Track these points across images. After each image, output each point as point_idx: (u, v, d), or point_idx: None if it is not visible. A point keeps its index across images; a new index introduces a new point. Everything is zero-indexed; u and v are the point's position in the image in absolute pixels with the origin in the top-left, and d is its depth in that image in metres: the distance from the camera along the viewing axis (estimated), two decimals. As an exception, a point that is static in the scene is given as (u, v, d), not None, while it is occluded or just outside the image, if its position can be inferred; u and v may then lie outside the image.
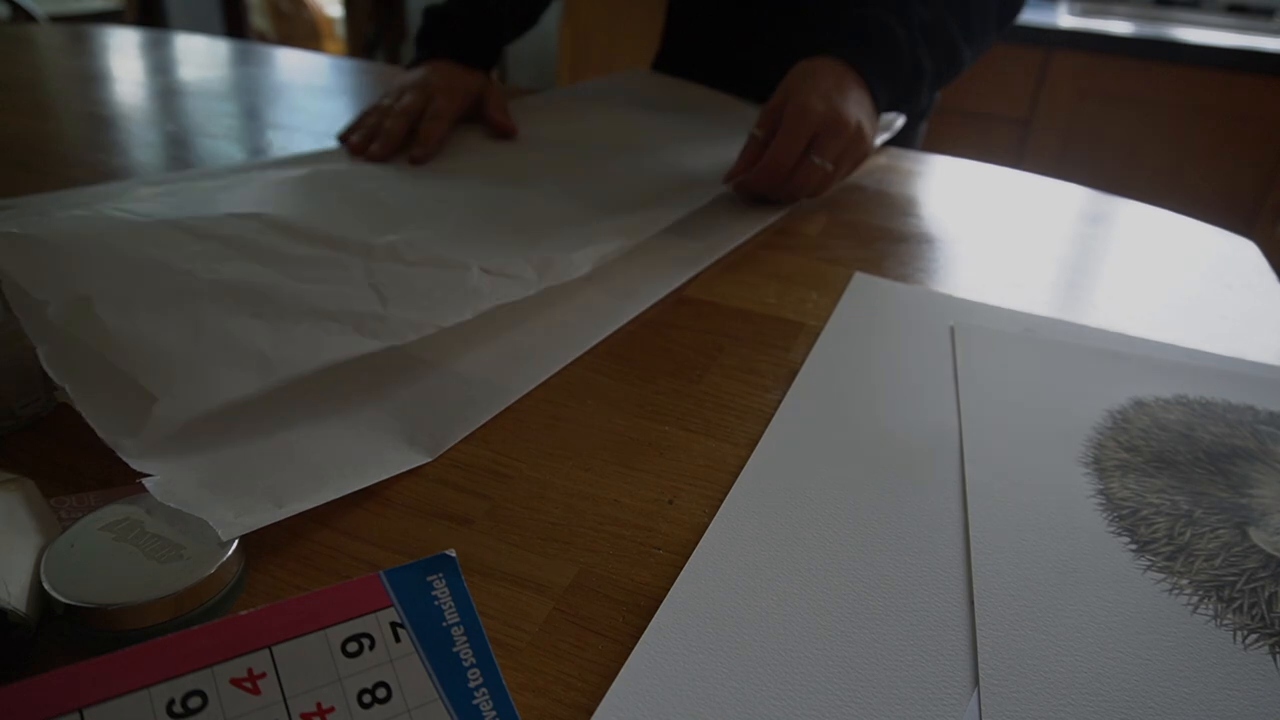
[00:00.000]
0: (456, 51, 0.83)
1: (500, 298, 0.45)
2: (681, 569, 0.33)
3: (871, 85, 0.68)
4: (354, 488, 0.34)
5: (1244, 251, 0.68)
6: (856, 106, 0.66)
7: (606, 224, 0.57)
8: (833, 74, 0.66)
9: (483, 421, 0.41)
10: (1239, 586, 0.33)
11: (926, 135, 1.04)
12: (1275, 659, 0.30)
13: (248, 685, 0.21)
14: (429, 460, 0.38)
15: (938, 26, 0.71)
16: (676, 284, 0.55)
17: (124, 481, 0.35)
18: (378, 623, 0.23)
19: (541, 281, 0.48)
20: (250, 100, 0.91)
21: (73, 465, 0.36)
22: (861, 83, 0.67)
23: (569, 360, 0.46)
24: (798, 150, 0.64)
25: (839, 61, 0.67)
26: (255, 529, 0.30)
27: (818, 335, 0.51)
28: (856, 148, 0.66)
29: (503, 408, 0.42)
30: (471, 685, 0.23)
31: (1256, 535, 0.36)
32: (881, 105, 0.69)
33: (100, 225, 0.44)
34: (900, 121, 0.89)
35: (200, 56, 1.07)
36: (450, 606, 0.24)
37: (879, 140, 0.79)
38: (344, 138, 0.75)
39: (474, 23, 0.85)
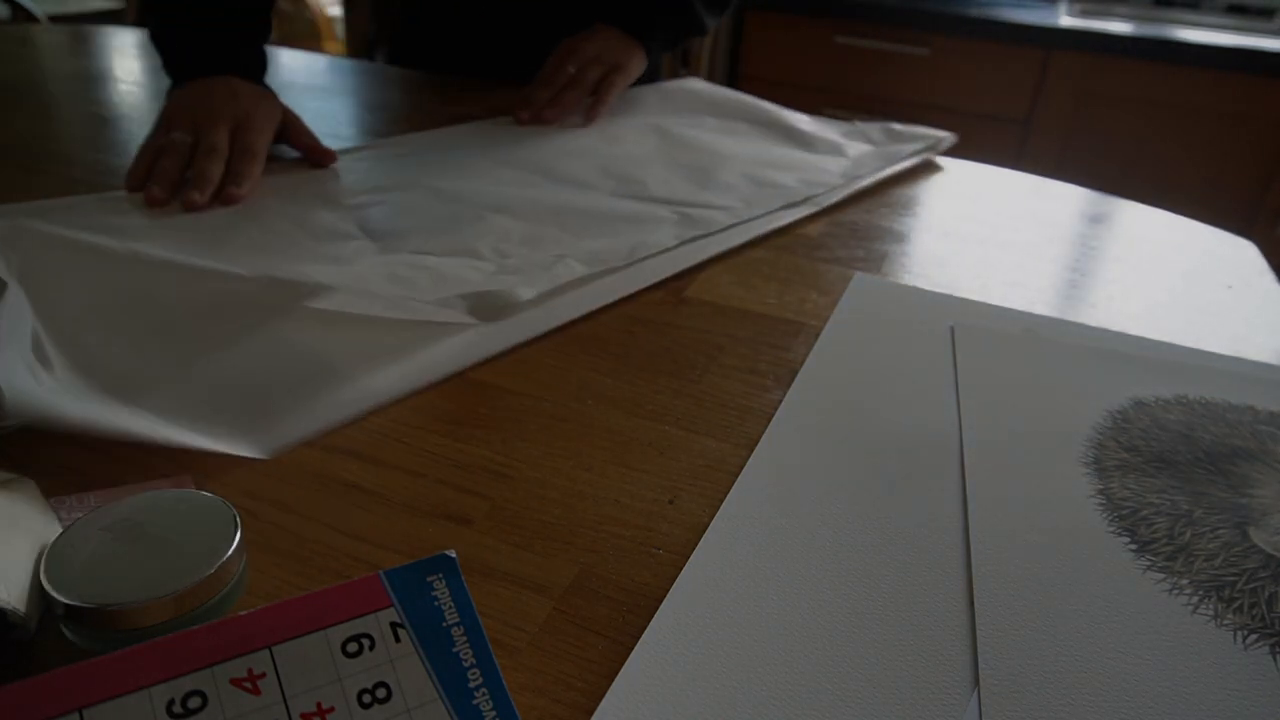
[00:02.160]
0: (243, 68, 0.72)
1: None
2: (681, 569, 0.33)
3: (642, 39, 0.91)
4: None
5: (1244, 251, 0.68)
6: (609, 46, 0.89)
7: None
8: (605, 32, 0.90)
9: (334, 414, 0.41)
10: (1239, 586, 0.33)
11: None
12: (1275, 659, 0.30)
13: (248, 685, 0.21)
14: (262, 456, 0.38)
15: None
16: (667, 273, 0.56)
17: (124, 481, 0.35)
18: (378, 623, 0.23)
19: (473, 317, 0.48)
20: (250, 100, 0.91)
21: (73, 465, 0.36)
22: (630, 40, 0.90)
23: (544, 329, 0.48)
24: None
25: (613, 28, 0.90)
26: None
27: (818, 335, 0.51)
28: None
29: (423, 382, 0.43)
30: (471, 685, 0.23)
31: (1256, 535, 0.36)
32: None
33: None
34: (949, 141, 0.87)
35: (200, 56, 1.07)
36: (450, 606, 0.24)
37: (913, 158, 0.84)
38: (134, 186, 0.61)
39: (239, 32, 0.74)
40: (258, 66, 0.75)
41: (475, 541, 0.34)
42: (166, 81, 0.75)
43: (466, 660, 0.24)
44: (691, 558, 0.33)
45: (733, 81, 2.12)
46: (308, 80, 1.00)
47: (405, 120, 0.86)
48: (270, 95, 0.71)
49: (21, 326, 0.40)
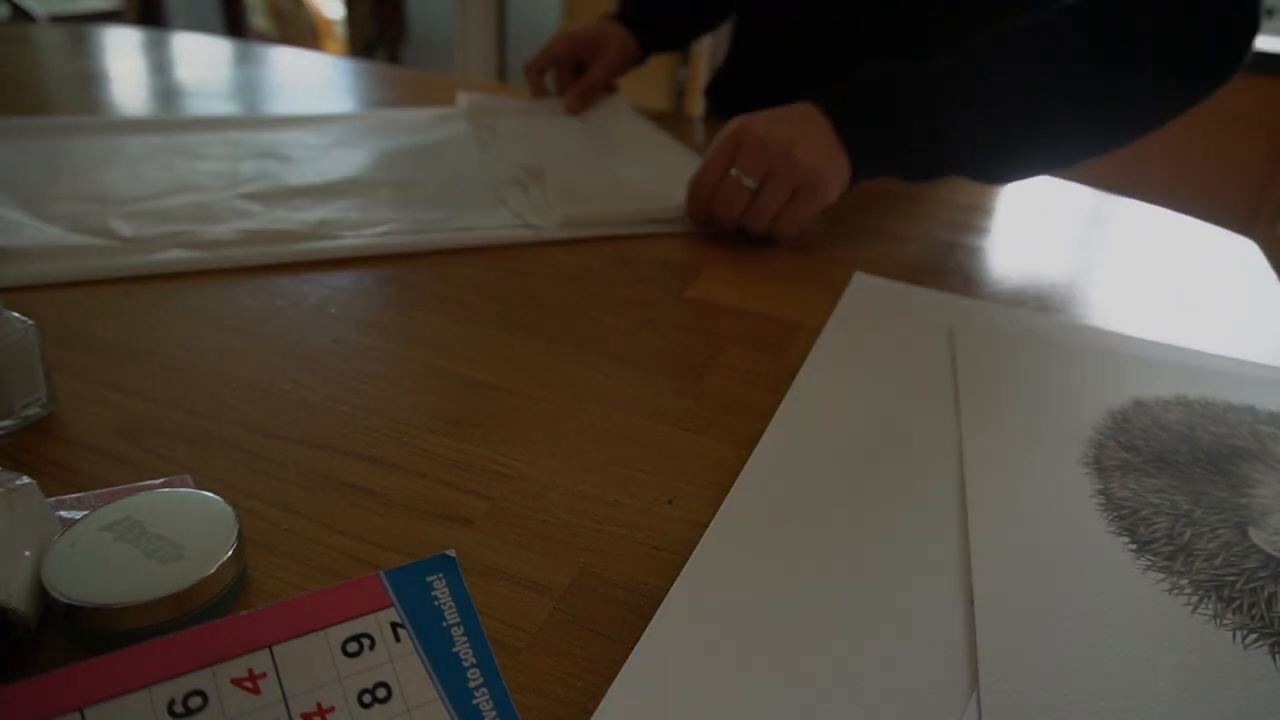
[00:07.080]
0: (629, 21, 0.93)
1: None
2: (681, 569, 0.33)
3: (844, 130, 0.61)
4: None
5: (1244, 251, 0.68)
6: (802, 135, 0.59)
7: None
8: (795, 111, 0.61)
9: None
10: (1239, 586, 0.33)
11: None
12: (1275, 659, 0.30)
13: (248, 685, 0.21)
14: None
15: (985, 88, 0.61)
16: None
17: (124, 481, 0.35)
18: (378, 623, 0.23)
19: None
20: (250, 100, 0.91)
21: (73, 465, 0.36)
22: (827, 124, 0.60)
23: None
24: (721, 166, 0.61)
25: (811, 106, 0.62)
26: None
27: (818, 335, 0.51)
28: (788, 171, 0.59)
29: None
30: (471, 685, 0.23)
31: (1256, 535, 0.36)
32: (861, 152, 0.61)
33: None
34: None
35: (200, 56, 1.07)
36: (450, 606, 0.24)
37: None
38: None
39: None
40: (641, 26, 0.94)
41: (475, 541, 0.34)
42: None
43: (466, 660, 0.24)
44: (691, 558, 0.33)
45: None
46: (308, 80, 1.00)
47: (405, 120, 0.86)
48: (603, 36, 0.92)
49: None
